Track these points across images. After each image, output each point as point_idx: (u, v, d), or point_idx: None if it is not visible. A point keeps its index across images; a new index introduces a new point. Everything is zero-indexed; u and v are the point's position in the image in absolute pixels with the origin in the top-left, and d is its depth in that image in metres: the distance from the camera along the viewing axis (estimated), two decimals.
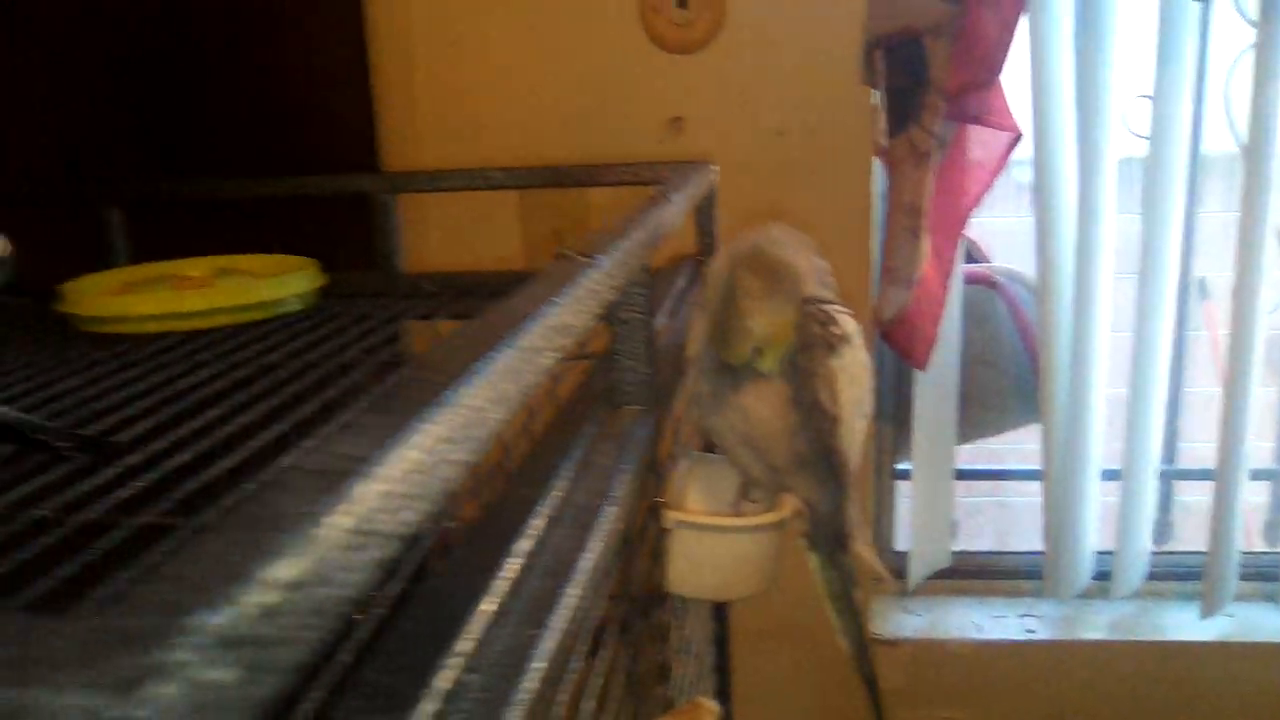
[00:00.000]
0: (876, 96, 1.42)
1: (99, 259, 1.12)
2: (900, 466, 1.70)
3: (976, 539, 1.94)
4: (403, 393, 0.26)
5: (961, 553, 1.71)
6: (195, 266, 1.02)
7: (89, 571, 0.46)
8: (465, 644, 0.34)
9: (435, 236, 1.53)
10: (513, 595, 0.38)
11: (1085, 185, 1.44)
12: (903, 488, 1.70)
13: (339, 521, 0.20)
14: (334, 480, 0.21)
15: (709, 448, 0.86)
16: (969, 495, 2.03)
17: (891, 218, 1.44)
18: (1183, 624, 1.59)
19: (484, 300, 0.95)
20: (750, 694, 1.28)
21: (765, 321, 0.67)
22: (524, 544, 0.40)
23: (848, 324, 0.72)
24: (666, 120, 1.48)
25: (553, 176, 1.01)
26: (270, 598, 0.17)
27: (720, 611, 1.03)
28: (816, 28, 1.42)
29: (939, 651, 1.63)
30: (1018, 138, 1.45)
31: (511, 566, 0.39)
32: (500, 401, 0.29)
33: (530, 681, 0.34)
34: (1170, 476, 1.66)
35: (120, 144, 1.58)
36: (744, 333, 0.67)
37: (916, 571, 1.64)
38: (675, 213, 0.67)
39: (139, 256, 1.13)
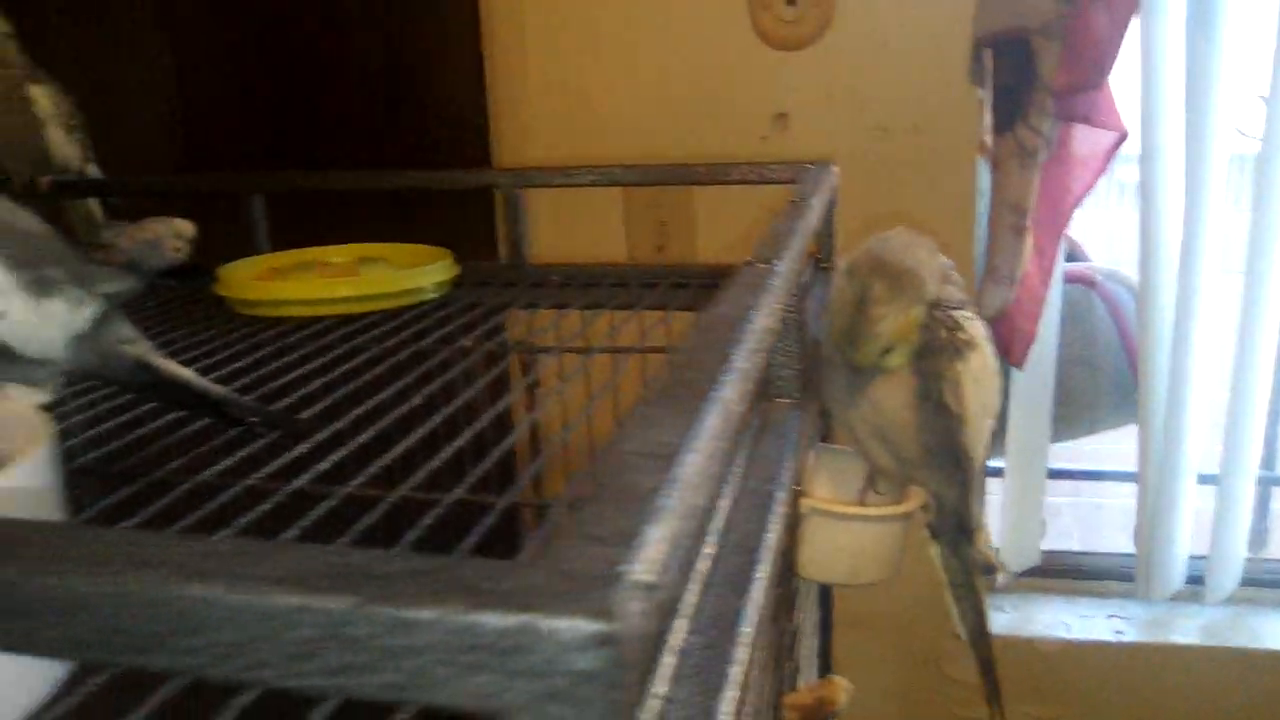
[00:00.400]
0: (982, 95, 1.43)
1: (239, 244, 1.18)
2: (993, 464, 1.71)
3: (1061, 538, 1.94)
4: (679, 389, 0.30)
5: (1050, 551, 1.72)
6: (335, 254, 1.08)
7: (307, 536, 0.51)
8: (686, 607, 0.38)
9: (537, 227, 1.57)
10: (713, 569, 0.42)
11: (1192, 184, 1.44)
12: (993, 484, 1.71)
13: (683, 495, 0.24)
14: (664, 462, 0.25)
15: (828, 439, 0.89)
16: (1052, 495, 2.04)
17: (995, 216, 1.45)
18: (1278, 632, 1.59)
19: (609, 291, 1.00)
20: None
21: (892, 324, 0.70)
22: (718, 522, 0.44)
23: (973, 328, 0.75)
24: (770, 116, 1.50)
25: (679, 174, 1.05)
26: (662, 551, 0.21)
27: (827, 598, 1.06)
28: (924, 26, 1.43)
29: (1026, 649, 1.64)
30: (1123, 137, 1.45)
31: (710, 543, 0.43)
32: (742, 398, 0.33)
33: (742, 645, 0.38)
34: (1269, 483, 1.65)
35: (250, 135, 1.66)
36: (874, 338, 0.70)
37: (1006, 568, 1.65)
38: (817, 216, 0.70)
39: (274, 242, 1.20)
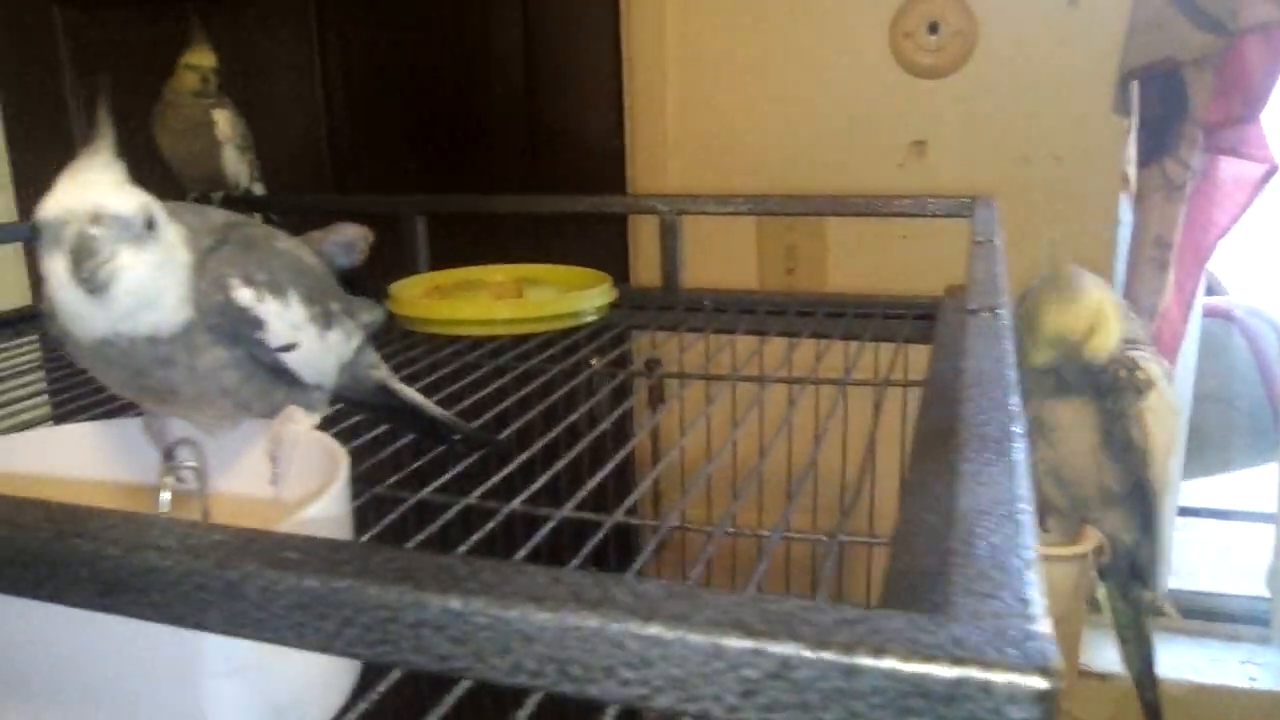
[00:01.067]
0: (1128, 126, 1.42)
1: (393, 262, 1.23)
2: None
3: (1188, 578, 1.89)
4: (981, 444, 0.32)
5: (1179, 591, 1.68)
6: (495, 273, 1.12)
7: (534, 557, 0.54)
8: None
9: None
10: None
11: None
12: None
13: (1032, 552, 0.25)
14: (1011, 523, 0.27)
15: None
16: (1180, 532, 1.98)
17: (1137, 249, 1.43)
18: None
19: (763, 318, 1.02)
20: None
21: (1056, 318, 0.71)
22: None
23: (1153, 368, 0.75)
24: (907, 144, 1.51)
25: (837, 205, 1.06)
26: (1045, 608, 0.23)
27: None
28: (1070, 56, 1.42)
29: None
30: (1273, 169, 1.41)
31: None
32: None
33: None
34: None
35: (393, 156, 1.73)
36: (1044, 340, 0.71)
37: (1173, 612, 1.62)
38: (1000, 253, 0.71)
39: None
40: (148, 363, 0.45)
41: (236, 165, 1.28)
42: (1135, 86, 1.40)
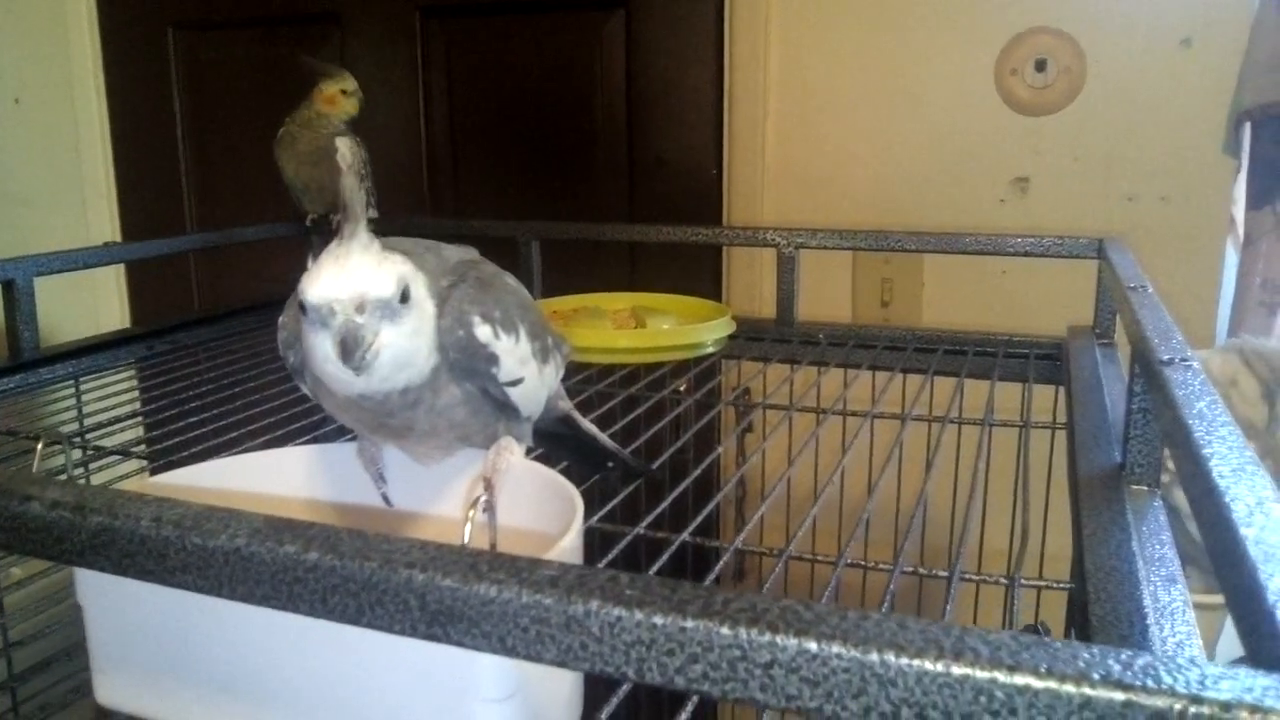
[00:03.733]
0: (1237, 167, 1.40)
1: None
2: None
3: None
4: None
5: None
6: (613, 301, 1.13)
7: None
8: None
9: (763, 277, 1.61)
10: None
11: None
12: None
13: None
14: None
15: None
16: None
17: (1243, 291, 1.41)
18: None
19: (880, 353, 1.02)
20: None
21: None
22: None
23: None
24: (1010, 180, 1.50)
25: (952, 243, 1.06)
26: None
27: None
28: (1180, 96, 1.41)
29: None
30: None
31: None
32: None
33: None
34: None
35: (499, 184, 1.76)
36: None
37: None
38: (1157, 298, 0.71)
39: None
40: (396, 407, 0.47)
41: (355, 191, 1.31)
42: (1247, 128, 1.39)
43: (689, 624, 0.25)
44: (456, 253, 0.53)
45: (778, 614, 0.25)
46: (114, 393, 0.95)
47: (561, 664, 0.27)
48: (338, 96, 1.29)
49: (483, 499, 0.48)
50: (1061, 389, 0.90)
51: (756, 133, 1.59)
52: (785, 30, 1.57)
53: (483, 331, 0.48)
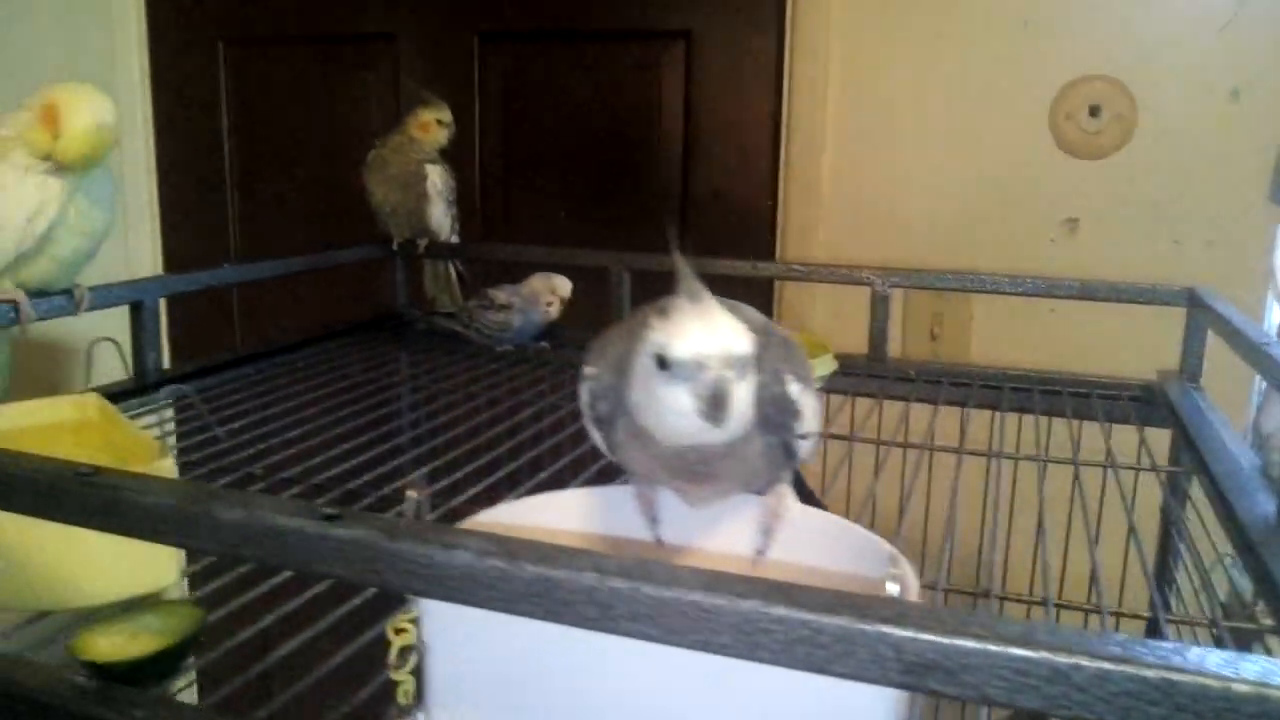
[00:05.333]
0: None
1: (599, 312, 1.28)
2: None
3: None
4: None
5: None
6: None
7: None
8: None
9: (812, 307, 1.65)
10: None
11: None
12: None
13: None
14: None
15: None
16: None
17: None
18: None
19: (975, 390, 1.06)
20: None
21: None
22: None
23: None
24: (1060, 220, 1.56)
25: (1034, 286, 1.10)
26: None
27: None
28: (1228, 144, 1.48)
29: None
30: None
31: None
32: None
33: None
34: None
35: (551, 211, 1.78)
36: None
37: None
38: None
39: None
40: (713, 457, 0.50)
41: (442, 218, 1.34)
42: None
43: (1177, 678, 0.29)
44: (754, 314, 0.55)
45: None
46: (242, 413, 0.96)
47: (1045, 712, 0.30)
48: (432, 125, 1.32)
49: (765, 543, 0.51)
50: (1164, 431, 0.95)
51: (813, 166, 1.63)
52: (845, 66, 1.61)
53: (794, 389, 0.51)
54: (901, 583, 0.44)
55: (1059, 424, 0.99)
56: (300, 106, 1.92)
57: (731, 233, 1.69)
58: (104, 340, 0.83)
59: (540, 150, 1.79)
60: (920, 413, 1.01)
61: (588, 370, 0.54)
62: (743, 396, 0.47)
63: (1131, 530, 0.77)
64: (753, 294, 1.66)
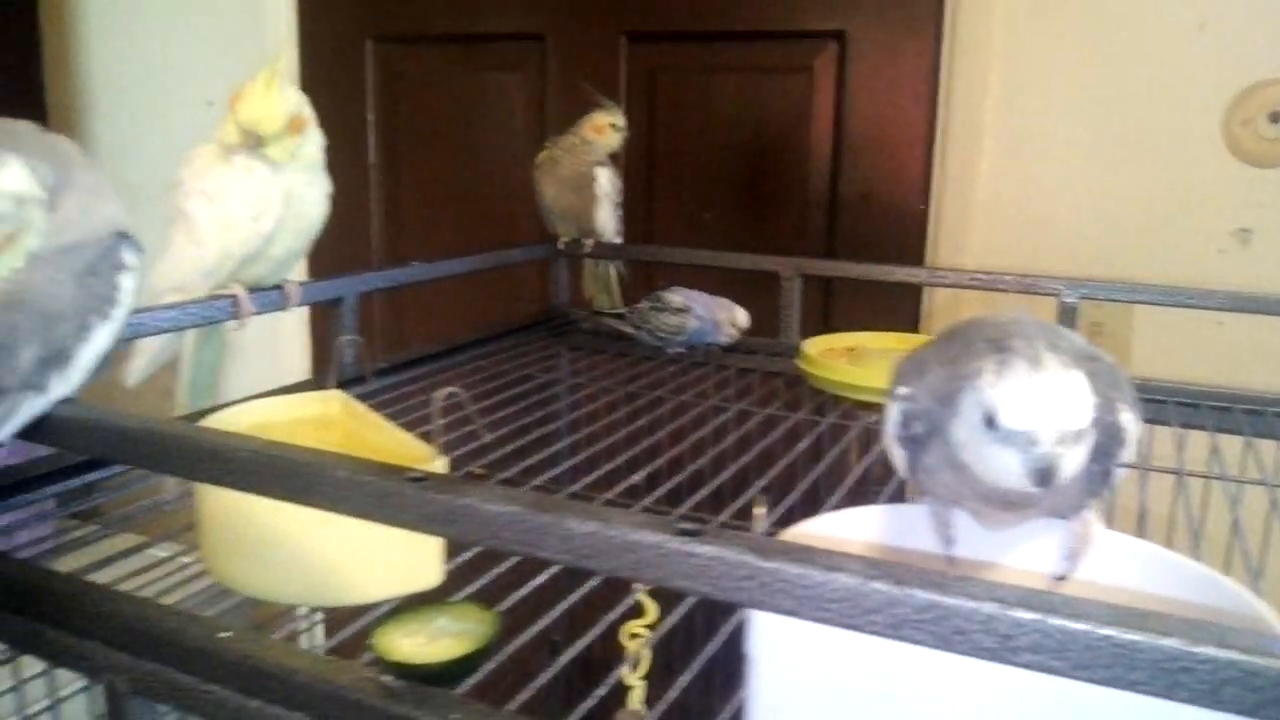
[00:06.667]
0: None
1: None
2: None
3: None
4: None
5: None
6: (879, 341, 1.15)
7: None
8: None
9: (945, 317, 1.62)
10: None
11: None
12: None
13: None
14: None
15: None
16: None
17: None
18: None
19: (1166, 408, 1.03)
20: None
21: None
22: None
23: None
24: (1231, 231, 1.50)
25: (1254, 304, 1.07)
26: None
27: None
28: None
29: None
30: None
31: None
32: None
33: None
34: None
35: (695, 213, 1.78)
36: None
37: None
38: None
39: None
40: (1035, 497, 0.49)
41: (608, 219, 1.35)
42: None
43: None
44: (1074, 338, 0.54)
45: None
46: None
47: None
48: (607, 128, 1.33)
49: (1070, 568, 0.50)
50: None
51: (969, 171, 1.60)
52: (1005, 68, 1.58)
53: (1125, 418, 0.50)
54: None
55: (1229, 441, 0.96)
56: (446, 105, 1.95)
57: (880, 236, 1.66)
58: (348, 339, 0.85)
59: (684, 151, 1.79)
60: None
61: (902, 390, 0.54)
62: (1074, 463, 0.46)
63: None
64: (896, 299, 1.65)
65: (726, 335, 1.20)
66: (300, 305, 0.97)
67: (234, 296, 0.90)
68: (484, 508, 0.43)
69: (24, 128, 0.57)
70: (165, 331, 0.85)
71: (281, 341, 2.05)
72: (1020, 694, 0.41)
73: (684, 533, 0.39)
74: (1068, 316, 1.10)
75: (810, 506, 0.74)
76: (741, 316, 1.20)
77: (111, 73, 2.26)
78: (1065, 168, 1.57)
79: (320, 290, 1.00)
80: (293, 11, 2.03)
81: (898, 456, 0.54)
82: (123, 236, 0.58)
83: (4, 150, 0.53)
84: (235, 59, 2.06)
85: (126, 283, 0.58)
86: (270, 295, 0.94)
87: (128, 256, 0.59)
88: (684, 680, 0.63)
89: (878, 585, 0.36)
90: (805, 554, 0.37)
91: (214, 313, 0.89)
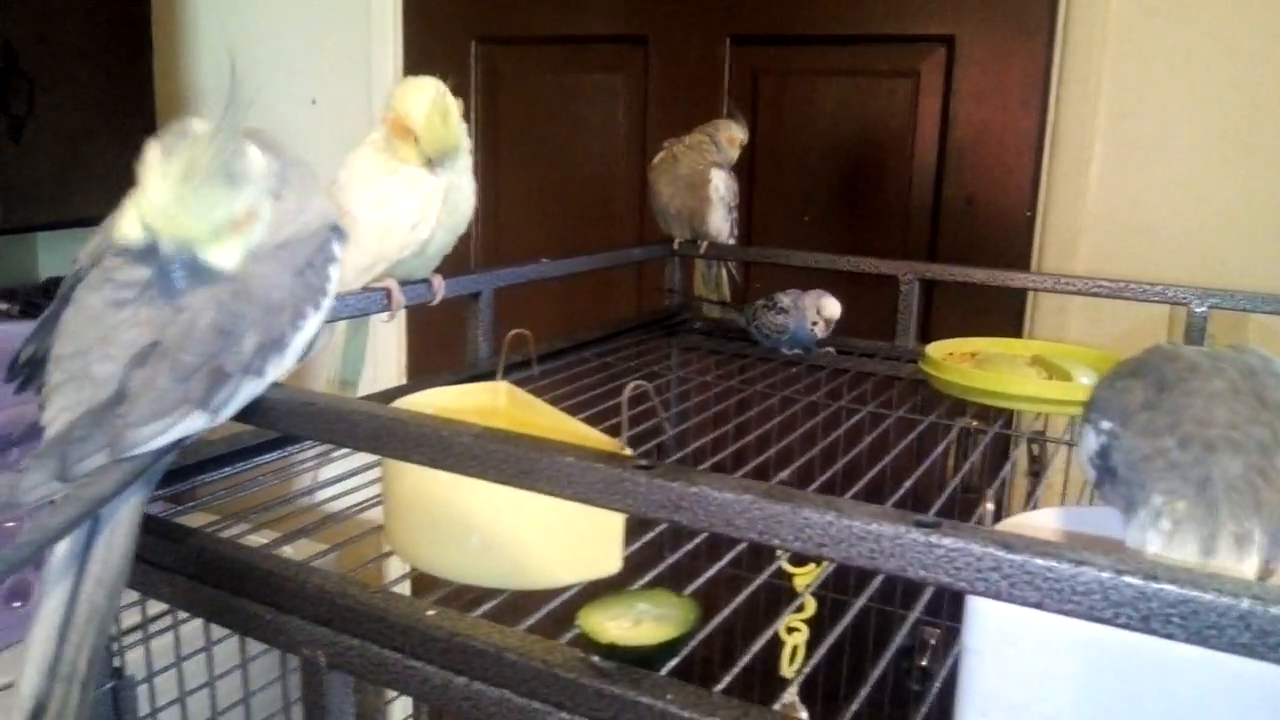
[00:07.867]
0: None
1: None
2: None
3: None
4: None
5: None
6: (1002, 345, 1.15)
7: None
8: None
9: (1066, 322, 1.61)
10: None
11: None
12: None
13: None
14: None
15: None
16: None
17: None
18: None
19: None
20: None
21: None
22: None
23: None
24: None
25: None
26: None
27: None
28: None
29: None
30: None
31: None
32: None
33: None
34: None
35: (797, 216, 1.80)
36: None
37: None
38: None
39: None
40: None
41: (722, 222, 1.37)
42: None
43: None
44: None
45: None
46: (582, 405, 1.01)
47: None
48: (736, 140, 1.35)
49: None
50: None
51: (1079, 177, 1.59)
52: (1118, 73, 1.57)
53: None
54: None
55: None
56: (547, 106, 1.99)
57: (984, 243, 1.66)
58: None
59: (784, 154, 1.80)
60: None
61: (1105, 425, 0.54)
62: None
63: None
64: (1001, 305, 1.64)
65: (812, 325, 1.19)
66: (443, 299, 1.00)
67: (387, 290, 0.94)
68: (717, 495, 0.45)
69: (246, 128, 0.60)
70: (325, 323, 0.89)
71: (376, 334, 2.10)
72: (1233, 692, 0.42)
73: (922, 524, 0.41)
74: (1196, 327, 1.10)
75: (966, 506, 0.75)
76: (828, 306, 1.19)
77: (219, 72, 2.33)
78: (1177, 174, 1.56)
79: (461, 284, 1.03)
80: (397, 12, 2.08)
81: (1089, 472, 0.55)
82: (333, 229, 0.62)
83: (242, 140, 0.57)
84: (339, 59, 2.12)
85: (335, 273, 0.62)
86: (418, 288, 0.97)
87: (337, 248, 0.62)
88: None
89: (1130, 579, 0.37)
90: (1052, 548, 0.39)
91: (368, 305, 0.92)
